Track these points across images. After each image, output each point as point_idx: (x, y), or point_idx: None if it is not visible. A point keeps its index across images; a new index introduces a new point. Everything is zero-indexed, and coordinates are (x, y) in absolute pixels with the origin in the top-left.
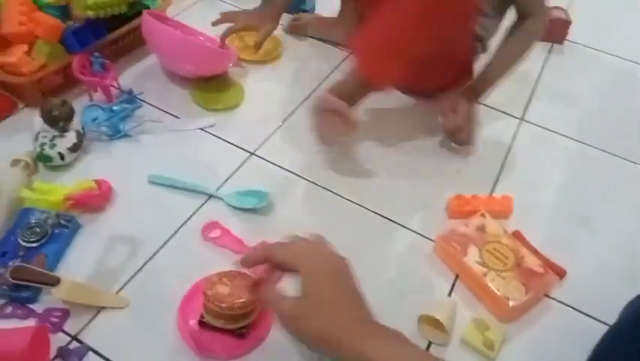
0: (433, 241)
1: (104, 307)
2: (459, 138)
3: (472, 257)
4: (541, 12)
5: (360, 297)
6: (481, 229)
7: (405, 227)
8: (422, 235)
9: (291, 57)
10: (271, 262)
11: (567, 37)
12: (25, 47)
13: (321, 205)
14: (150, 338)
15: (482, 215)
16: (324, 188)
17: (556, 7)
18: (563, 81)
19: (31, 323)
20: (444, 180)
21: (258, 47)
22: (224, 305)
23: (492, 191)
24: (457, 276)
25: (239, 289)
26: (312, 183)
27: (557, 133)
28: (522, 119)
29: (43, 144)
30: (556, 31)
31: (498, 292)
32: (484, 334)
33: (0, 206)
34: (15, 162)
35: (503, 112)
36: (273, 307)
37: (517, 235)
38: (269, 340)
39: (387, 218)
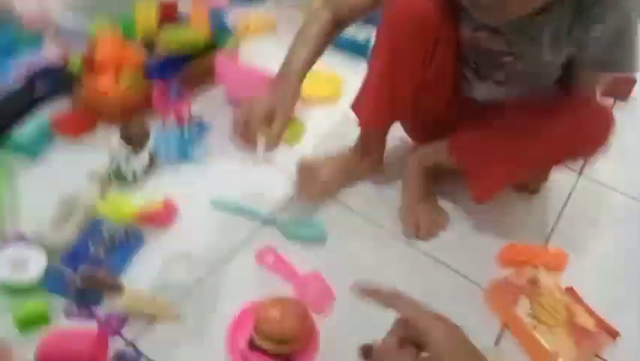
0: (482, 287)
1: (159, 319)
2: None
3: (522, 308)
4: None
5: None
6: (534, 281)
7: (454, 270)
8: (471, 280)
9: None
10: (398, 311)
11: (631, 95)
12: (113, 74)
13: (373, 242)
14: (200, 353)
15: (535, 267)
16: (378, 226)
17: None
18: (625, 138)
19: (93, 325)
20: (497, 227)
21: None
22: (275, 329)
23: (546, 242)
24: (504, 326)
25: (290, 315)
26: (367, 219)
27: (617, 191)
28: (581, 173)
29: (119, 162)
30: (621, 88)
31: (547, 347)
32: None
33: (76, 215)
34: (92, 176)
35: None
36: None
37: (570, 292)
38: None
39: (437, 259)
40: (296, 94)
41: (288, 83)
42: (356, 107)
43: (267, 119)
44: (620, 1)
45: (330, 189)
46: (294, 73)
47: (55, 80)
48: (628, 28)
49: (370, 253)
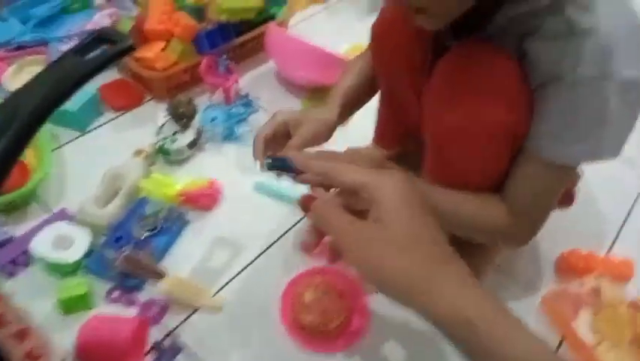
0: (539, 297)
1: (201, 307)
2: None
3: (583, 322)
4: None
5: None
6: (596, 292)
7: (510, 277)
8: (528, 289)
9: None
10: (335, 185)
11: None
12: (162, 44)
13: None
14: (242, 343)
15: (598, 276)
16: None
17: None
18: None
19: (133, 311)
20: (557, 231)
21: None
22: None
23: (610, 250)
24: (562, 339)
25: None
26: None
27: None
28: None
29: (165, 138)
30: None
31: None
32: None
33: (121, 193)
34: (137, 153)
35: (629, 164)
36: (330, 226)
37: (635, 306)
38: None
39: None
40: (328, 115)
41: (326, 104)
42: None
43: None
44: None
45: None
46: (333, 96)
47: (108, 47)
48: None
49: None
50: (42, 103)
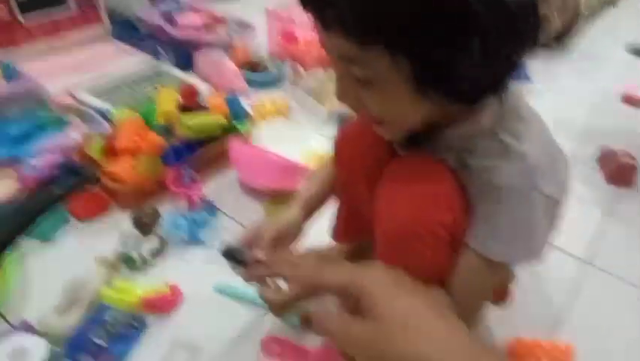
0: None
1: None
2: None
3: None
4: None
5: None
6: None
7: None
8: None
9: None
10: (320, 288)
11: (635, 182)
12: (130, 160)
13: None
14: None
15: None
16: None
17: (623, 154)
18: (634, 225)
19: None
20: (503, 321)
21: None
22: None
23: (552, 335)
24: None
25: None
26: None
27: (627, 282)
28: (590, 263)
29: (128, 246)
30: (625, 175)
31: None
32: None
33: (81, 302)
34: (100, 261)
35: (569, 254)
36: (336, 334)
37: None
38: None
39: None
40: (290, 219)
41: (290, 208)
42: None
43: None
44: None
45: None
46: (297, 200)
47: (74, 178)
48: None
49: None
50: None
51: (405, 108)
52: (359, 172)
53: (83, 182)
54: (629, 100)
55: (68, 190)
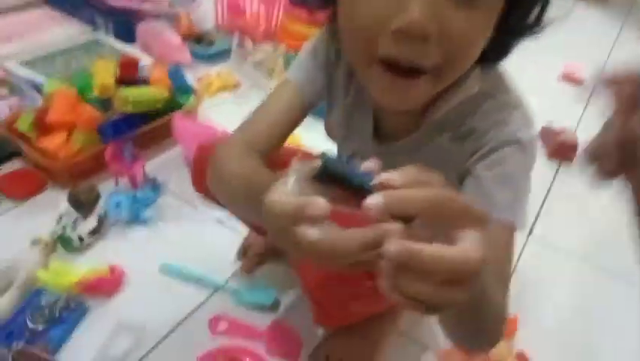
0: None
1: None
2: None
3: None
4: None
5: None
6: None
7: (411, 339)
8: (425, 349)
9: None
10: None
11: (575, 158)
12: (64, 135)
13: None
14: None
15: None
16: None
17: (563, 131)
18: (574, 199)
19: None
20: None
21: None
22: None
23: None
24: None
25: None
26: None
27: (566, 251)
28: (530, 233)
29: (65, 227)
30: (566, 151)
31: None
32: None
33: (15, 285)
34: (35, 242)
35: None
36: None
37: (521, 358)
38: None
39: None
40: None
41: None
42: None
43: None
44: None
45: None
46: None
47: None
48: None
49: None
50: None
51: (478, 48)
52: None
53: (3, 157)
54: (569, 78)
55: None
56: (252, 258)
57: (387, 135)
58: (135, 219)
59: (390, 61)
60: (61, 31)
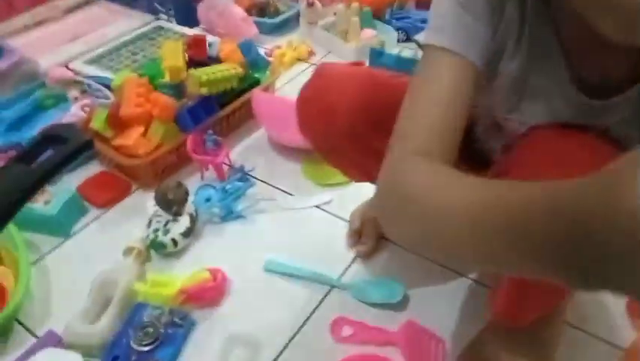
0: (619, 348)
1: None
2: None
3: None
4: None
5: None
6: None
7: (588, 333)
8: (607, 342)
9: None
10: None
11: None
12: (141, 129)
13: (464, 298)
14: None
15: None
16: (463, 276)
17: None
18: None
19: None
20: None
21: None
22: None
23: None
24: None
25: None
26: (451, 270)
27: None
28: None
29: (156, 230)
30: None
31: None
32: None
33: (113, 302)
34: (128, 251)
35: None
36: None
37: None
38: None
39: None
40: None
41: None
42: None
43: None
44: None
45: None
46: None
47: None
48: None
49: (460, 312)
50: None
51: None
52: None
53: (71, 153)
54: None
55: (54, 165)
56: (369, 240)
57: (593, 89)
58: (229, 214)
59: None
60: (123, 23)
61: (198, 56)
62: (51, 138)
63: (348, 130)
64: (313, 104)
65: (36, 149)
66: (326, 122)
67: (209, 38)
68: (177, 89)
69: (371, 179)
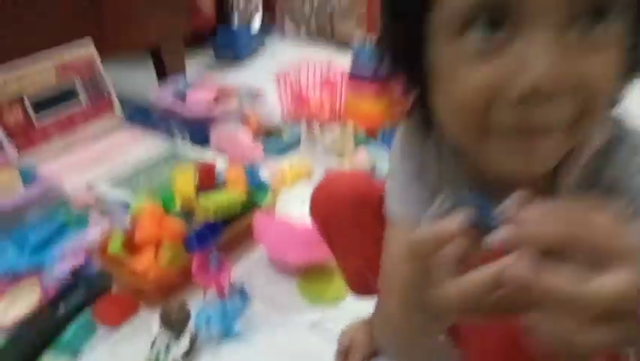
0: None
1: None
2: None
3: None
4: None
5: None
6: None
7: None
8: None
9: None
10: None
11: None
12: (152, 253)
13: None
14: None
15: None
16: None
17: None
18: None
19: None
20: None
21: None
22: None
23: None
24: None
25: None
26: None
27: None
28: None
29: (158, 353)
30: None
31: None
32: None
33: None
34: None
35: None
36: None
37: None
38: None
39: None
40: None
41: None
42: None
43: None
44: None
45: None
46: None
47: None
48: None
49: None
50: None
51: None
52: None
53: (93, 297)
54: None
55: (78, 309)
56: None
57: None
58: (227, 333)
59: (512, 130)
60: (142, 147)
61: (208, 184)
62: (79, 277)
63: (351, 213)
64: (323, 190)
65: (65, 289)
66: (333, 206)
67: (219, 163)
68: (187, 214)
69: (370, 271)
